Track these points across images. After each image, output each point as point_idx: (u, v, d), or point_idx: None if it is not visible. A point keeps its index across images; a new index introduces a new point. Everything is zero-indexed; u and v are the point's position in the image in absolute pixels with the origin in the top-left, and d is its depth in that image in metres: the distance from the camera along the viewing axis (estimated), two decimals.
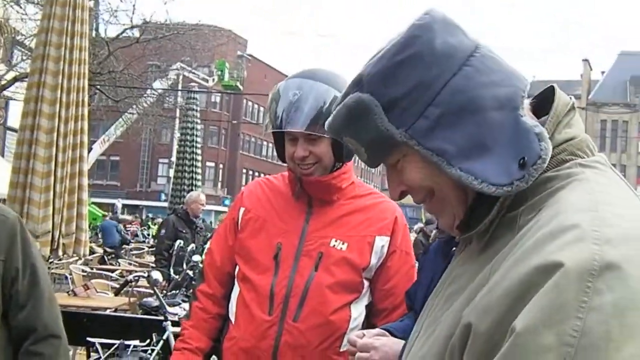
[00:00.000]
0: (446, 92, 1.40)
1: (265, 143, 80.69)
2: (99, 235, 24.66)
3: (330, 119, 1.55)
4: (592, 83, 75.87)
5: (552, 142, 1.38)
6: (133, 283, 8.47)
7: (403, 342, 2.14)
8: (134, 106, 29.11)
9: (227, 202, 54.59)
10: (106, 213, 34.22)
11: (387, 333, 2.53)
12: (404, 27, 1.47)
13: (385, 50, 1.47)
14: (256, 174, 77.91)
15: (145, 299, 8.72)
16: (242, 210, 3.24)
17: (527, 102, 1.46)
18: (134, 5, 28.30)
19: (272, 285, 3.01)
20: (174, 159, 31.04)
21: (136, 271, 13.73)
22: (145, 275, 7.92)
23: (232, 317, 3.16)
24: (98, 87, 25.36)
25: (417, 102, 1.40)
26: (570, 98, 1.48)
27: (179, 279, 9.53)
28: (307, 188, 3.08)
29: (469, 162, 1.37)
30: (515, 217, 1.36)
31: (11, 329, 2.78)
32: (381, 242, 3.08)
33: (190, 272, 9.14)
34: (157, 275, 7.19)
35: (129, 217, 36.86)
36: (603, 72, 78.08)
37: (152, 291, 7.92)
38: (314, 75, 3.01)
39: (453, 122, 1.39)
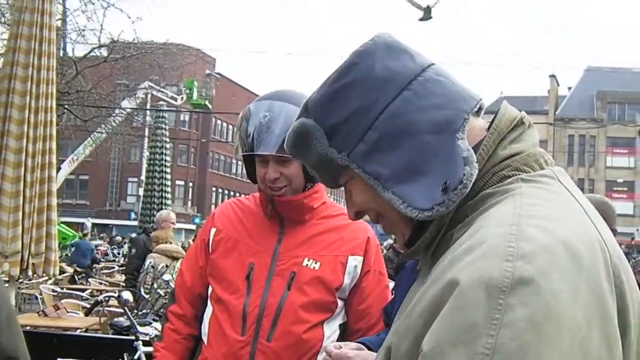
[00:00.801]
0: (384, 117, 1.43)
1: (234, 161, 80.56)
2: (69, 252, 24.50)
3: (286, 140, 1.61)
4: (560, 99, 76.52)
5: (495, 158, 1.40)
6: (104, 303, 8.42)
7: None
8: (103, 125, 28.93)
9: (197, 220, 54.34)
10: (76, 233, 33.99)
11: (363, 347, 2.54)
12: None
13: (327, 77, 1.51)
14: (226, 192, 77.81)
15: (116, 319, 8.65)
16: (213, 230, 3.23)
17: (478, 122, 1.48)
18: (101, 25, 27.99)
19: (244, 305, 3.00)
20: (143, 177, 30.94)
21: (107, 290, 13.66)
22: (116, 295, 7.88)
23: (204, 338, 3.14)
24: (66, 106, 25.23)
25: (357, 127, 1.44)
26: (521, 112, 1.48)
27: (150, 298, 9.48)
28: (278, 208, 3.07)
29: (401, 185, 1.40)
30: (452, 235, 1.38)
31: None
32: (354, 262, 3.08)
33: (161, 291, 9.10)
34: (127, 295, 7.13)
35: (99, 242, 36.66)
36: (570, 88, 78.77)
37: (122, 311, 7.87)
38: (283, 96, 3.02)
39: (390, 145, 1.42)
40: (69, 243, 26.71)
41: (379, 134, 1.42)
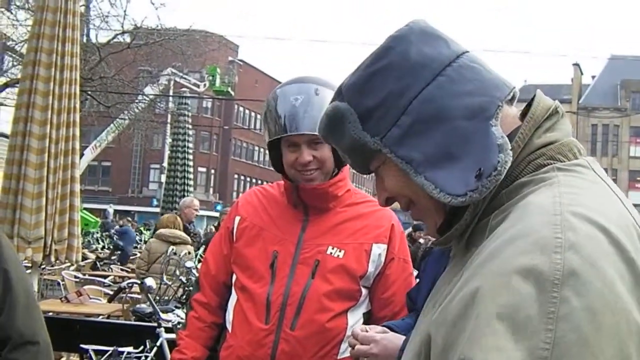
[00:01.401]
0: (418, 102, 1.42)
1: (257, 148, 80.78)
2: (114, 238, 24.81)
3: (318, 124, 1.61)
4: (583, 87, 76.01)
5: (530, 146, 1.39)
6: (127, 289, 8.44)
7: (404, 337, 2.17)
8: (126, 112, 29.08)
9: (218, 207, 54.48)
10: (98, 219, 34.19)
11: (388, 330, 2.55)
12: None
13: (362, 62, 1.52)
14: (248, 179, 78.01)
15: (138, 306, 8.70)
16: (237, 219, 3.22)
17: (511, 110, 1.47)
18: (125, 11, 27.99)
19: (268, 294, 3.00)
20: (165, 164, 31.03)
21: (129, 277, 13.70)
22: (139, 282, 7.90)
23: (229, 326, 3.14)
24: (89, 93, 25.30)
25: (391, 111, 1.44)
26: (555, 101, 1.48)
27: (172, 285, 9.50)
28: (303, 196, 3.06)
29: (434, 171, 1.39)
30: (487, 223, 1.37)
31: None
32: (378, 250, 3.07)
33: (184, 278, 9.12)
34: (150, 282, 7.16)
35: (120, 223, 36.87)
36: (594, 77, 78.23)
37: (145, 298, 7.90)
38: (311, 80, 3.02)
39: (423, 130, 1.41)
40: (114, 231, 26.90)
41: (412, 119, 1.41)
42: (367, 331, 2.58)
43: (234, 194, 71.61)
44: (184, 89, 30.77)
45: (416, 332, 1.45)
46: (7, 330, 2.74)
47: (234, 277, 3.17)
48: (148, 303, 7.53)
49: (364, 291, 3.07)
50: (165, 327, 7.19)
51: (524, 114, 1.47)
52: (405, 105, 1.42)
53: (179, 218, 10.90)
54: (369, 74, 1.48)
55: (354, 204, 3.17)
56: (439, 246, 1.53)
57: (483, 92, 1.43)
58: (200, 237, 13.57)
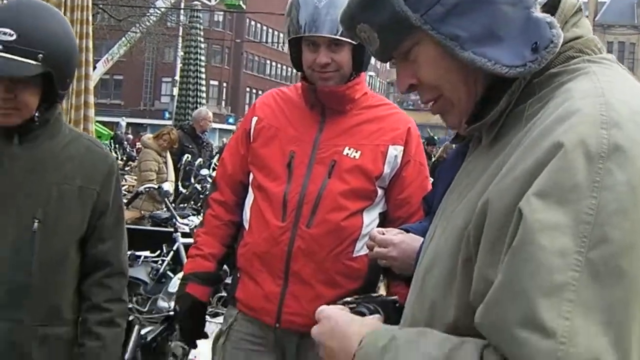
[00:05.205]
0: None
1: (268, 62, 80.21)
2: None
3: (345, 6, 1.55)
4: (599, 4, 74.76)
5: None
6: (144, 194, 8.50)
7: (421, 239, 2.20)
8: (137, 25, 28.81)
9: (230, 120, 54.37)
10: (111, 132, 34.23)
11: (405, 232, 2.59)
12: None
13: None
14: (260, 92, 77.18)
15: (155, 211, 8.80)
16: (254, 120, 3.26)
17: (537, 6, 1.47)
18: None
19: (285, 193, 3.05)
20: (177, 77, 30.86)
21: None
22: (156, 187, 7.96)
23: (246, 224, 3.21)
24: (101, 6, 25.09)
25: None
26: (578, 1, 1.50)
27: (187, 193, 9.59)
28: (321, 97, 3.09)
29: (482, 48, 1.39)
30: (522, 110, 1.40)
31: (87, 256, 2.85)
32: (394, 152, 3.11)
33: (198, 186, 9.18)
34: (167, 186, 7.24)
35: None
36: None
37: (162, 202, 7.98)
38: None
39: (467, 10, 1.40)
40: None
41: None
42: (384, 234, 2.64)
43: (246, 107, 70.91)
44: (195, 2, 30.37)
45: (448, 222, 1.48)
46: (110, 256, 2.88)
47: (251, 176, 3.22)
48: (165, 209, 7.61)
49: (380, 192, 3.12)
50: (182, 232, 7.30)
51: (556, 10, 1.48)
52: None
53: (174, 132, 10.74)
54: None
55: (370, 107, 3.19)
56: (469, 134, 1.55)
57: None
58: (212, 147, 13.61)
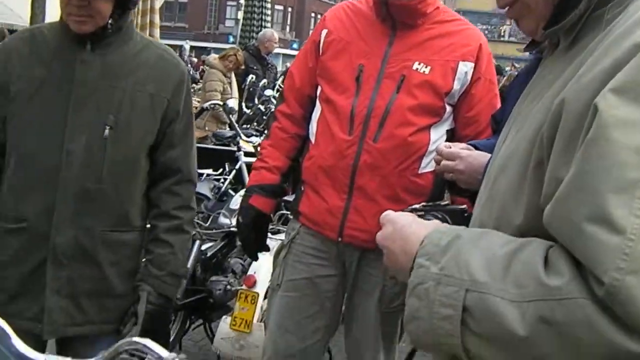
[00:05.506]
0: None
1: None
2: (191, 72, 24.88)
3: None
4: None
5: None
6: (209, 110, 8.52)
7: (488, 155, 2.18)
8: None
9: (295, 45, 54.16)
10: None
11: (472, 148, 2.57)
12: None
13: None
14: None
15: (219, 130, 8.84)
16: (324, 32, 3.22)
17: None
18: None
19: (352, 106, 3.03)
20: (242, 1, 30.77)
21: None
22: (221, 103, 7.97)
23: (312, 138, 3.21)
24: None
25: None
26: None
27: (251, 113, 9.60)
28: (392, 11, 3.05)
29: None
30: (602, 14, 1.38)
31: (156, 163, 2.89)
32: (465, 68, 3.06)
33: (262, 107, 9.19)
34: (233, 102, 7.26)
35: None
36: None
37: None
38: None
39: None
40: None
41: None
42: (451, 147, 2.61)
43: (310, 32, 70.79)
44: None
45: (522, 125, 1.46)
46: (179, 163, 2.91)
47: (319, 89, 3.20)
48: (229, 128, 7.63)
49: (449, 108, 3.09)
50: (244, 151, 7.34)
51: None
52: None
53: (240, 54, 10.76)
54: None
55: (442, 22, 3.14)
56: (545, 39, 1.53)
57: None
58: (276, 69, 13.56)
